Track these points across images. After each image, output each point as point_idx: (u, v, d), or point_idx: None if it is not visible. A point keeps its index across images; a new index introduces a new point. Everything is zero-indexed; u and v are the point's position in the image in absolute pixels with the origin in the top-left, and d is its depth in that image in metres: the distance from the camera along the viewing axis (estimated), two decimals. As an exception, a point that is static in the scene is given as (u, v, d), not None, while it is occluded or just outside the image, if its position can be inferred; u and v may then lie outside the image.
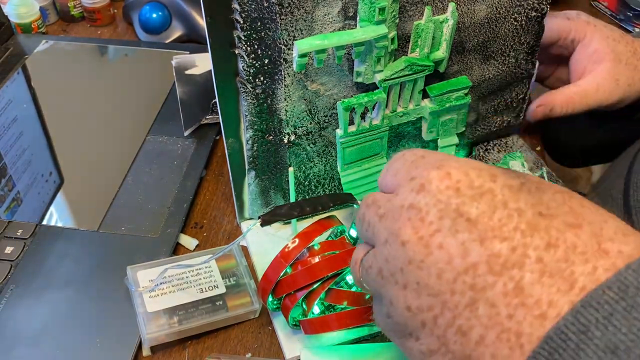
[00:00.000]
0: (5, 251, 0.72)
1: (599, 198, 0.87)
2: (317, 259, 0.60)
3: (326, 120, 0.68)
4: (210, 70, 0.93)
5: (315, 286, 0.60)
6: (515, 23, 0.68)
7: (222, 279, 0.68)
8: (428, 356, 0.40)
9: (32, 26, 1.11)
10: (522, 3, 0.67)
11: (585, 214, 0.37)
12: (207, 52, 0.99)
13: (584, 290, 0.33)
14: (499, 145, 0.79)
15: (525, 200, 0.38)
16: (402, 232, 0.39)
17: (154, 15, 1.09)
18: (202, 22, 1.07)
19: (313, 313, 0.62)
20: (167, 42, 1.10)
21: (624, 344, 0.31)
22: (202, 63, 0.97)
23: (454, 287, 0.37)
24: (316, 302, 0.61)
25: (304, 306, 0.61)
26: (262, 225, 0.59)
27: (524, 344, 0.34)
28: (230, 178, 0.72)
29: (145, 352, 0.64)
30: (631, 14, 1.14)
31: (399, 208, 0.41)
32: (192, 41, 1.10)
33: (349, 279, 0.63)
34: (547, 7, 0.68)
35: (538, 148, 0.88)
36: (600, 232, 0.36)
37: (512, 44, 0.70)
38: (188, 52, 1.04)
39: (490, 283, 0.36)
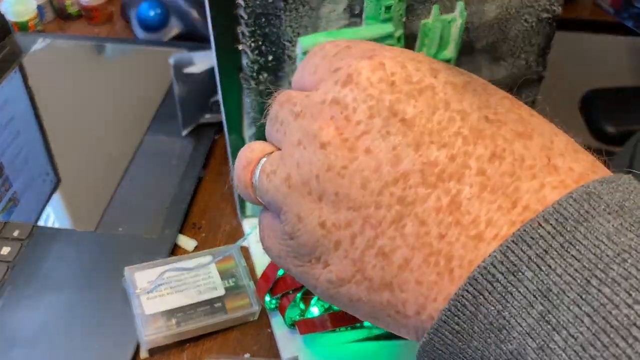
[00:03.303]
0: (2, 252, 0.71)
1: None
2: None
3: (330, 120, 0.67)
4: (209, 69, 0.93)
5: None
6: (526, 24, 0.68)
7: (221, 280, 0.67)
8: (338, 286, 0.34)
9: (29, 24, 1.10)
10: (533, 4, 0.66)
11: (536, 124, 0.33)
12: (206, 50, 0.99)
13: (527, 210, 0.29)
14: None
15: (470, 101, 0.32)
16: (323, 132, 0.33)
17: (152, 13, 1.08)
18: (200, 19, 1.07)
19: (312, 313, 0.61)
20: (165, 40, 1.09)
21: (558, 286, 0.27)
22: (200, 61, 0.96)
23: (379, 199, 0.32)
24: (316, 304, 0.61)
25: (302, 305, 0.61)
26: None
27: (454, 269, 0.30)
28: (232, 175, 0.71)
29: (143, 354, 0.64)
30: (634, 12, 1.13)
31: (319, 104, 0.34)
32: (190, 39, 1.09)
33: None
34: (558, 9, 0.68)
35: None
36: (550, 145, 0.32)
37: (522, 45, 0.69)
38: (186, 50, 1.03)
39: (421, 196, 0.31)
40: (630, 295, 0.26)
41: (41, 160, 0.86)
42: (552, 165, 0.30)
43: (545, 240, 0.28)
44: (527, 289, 0.28)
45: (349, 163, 0.32)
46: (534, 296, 0.28)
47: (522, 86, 0.73)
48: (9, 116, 0.92)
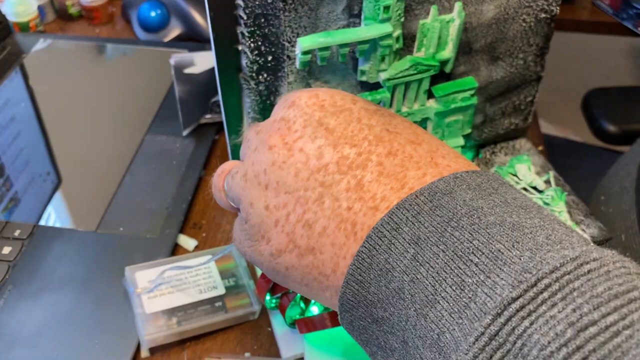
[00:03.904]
0: (3, 252, 0.71)
1: (609, 188, 0.87)
2: None
3: (329, 120, 0.67)
4: (210, 69, 0.94)
5: None
6: (524, 24, 0.68)
7: (222, 279, 0.68)
8: (277, 256, 0.44)
9: (30, 25, 1.11)
10: (532, 4, 0.66)
11: (426, 138, 0.44)
12: (206, 50, 1.00)
13: (412, 190, 0.39)
14: (506, 149, 0.78)
15: (377, 120, 0.44)
16: (271, 139, 0.45)
17: (153, 14, 1.09)
18: (201, 20, 1.07)
19: (311, 312, 0.61)
20: (165, 40, 1.09)
21: (424, 234, 0.37)
22: (201, 62, 0.97)
23: (307, 184, 0.43)
24: (316, 303, 0.61)
25: (302, 305, 0.61)
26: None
27: (357, 232, 0.40)
28: (232, 176, 0.71)
29: (144, 353, 0.64)
30: (633, 13, 1.13)
31: (272, 122, 0.46)
32: (191, 40, 1.10)
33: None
34: (556, 9, 0.68)
35: (540, 148, 0.88)
36: (435, 150, 0.43)
37: (520, 45, 0.69)
38: (187, 51, 1.03)
39: (337, 180, 0.42)
40: (472, 235, 0.36)
41: (42, 160, 0.86)
42: (434, 162, 0.41)
43: (419, 205, 0.38)
44: (404, 239, 0.38)
45: (287, 159, 0.44)
46: (409, 243, 0.37)
47: (521, 86, 0.74)
48: (10, 116, 0.92)
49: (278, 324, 0.65)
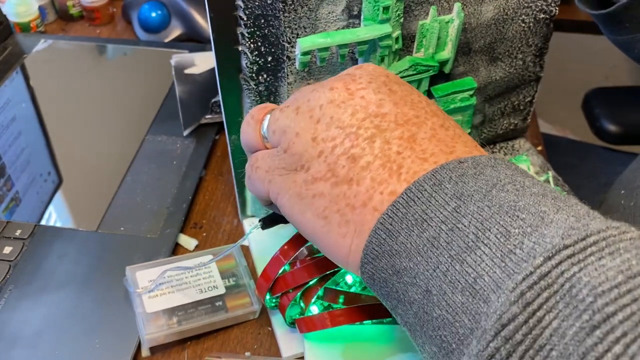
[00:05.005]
0: (4, 251, 0.71)
1: (630, 182, 0.87)
2: (315, 257, 0.59)
3: (329, 120, 0.67)
4: (210, 70, 0.94)
5: (311, 283, 0.59)
6: (523, 25, 0.68)
7: (222, 279, 0.68)
8: (310, 183, 0.46)
9: (31, 25, 1.11)
10: (530, 5, 0.66)
11: (467, 134, 0.47)
12: (207, 51, 1.00)
13: (458, 157, 0.42)
14: (506, 149, 0.78)
15: (432, 103, 0.48)
16: (334, 83, 0.47)
17: (153, 14, 1.09)
18: (201, 21, 1.07)
19: (311, 312, 0.61)
20: (166, 41, 1.10)
21: (468, 191, 0.39)
22: (201, 62, 0.97)
23: (362, 123, 0.44)
24: (315, 303, 0.61)
25: (302, 304, 0.61)
26: (262, 228, 0.59)
27: (402, 173, 0.42)
28: (233, 175, 0.71)
29: (145, 352, 0.64)
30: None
31: (334, 78, 0.48)
32: (191, 40, 1.10)
33: (349, 279, 0.62)
34: (555, 10, 0.68)
35: (539, 147, 0.88)
36: (476, 143, 0.46)
37: (519, 45, 0.69)
38: (187, 51, 1.03)
39: (392, 128, 0.44)
40: (517, 197, 0.38)
41: (43, 160, 0.86)
42: (478, 148, 0.45)
43: (463, 169, 0.41)
44: (446, 194, 0.40)
45: (347, 100, 0.46)
46: (450, 197, 0.39)
47: (520, 86, 0.74)
48: (11, 116, 0.92)
49: (278, 324, 0.66)
